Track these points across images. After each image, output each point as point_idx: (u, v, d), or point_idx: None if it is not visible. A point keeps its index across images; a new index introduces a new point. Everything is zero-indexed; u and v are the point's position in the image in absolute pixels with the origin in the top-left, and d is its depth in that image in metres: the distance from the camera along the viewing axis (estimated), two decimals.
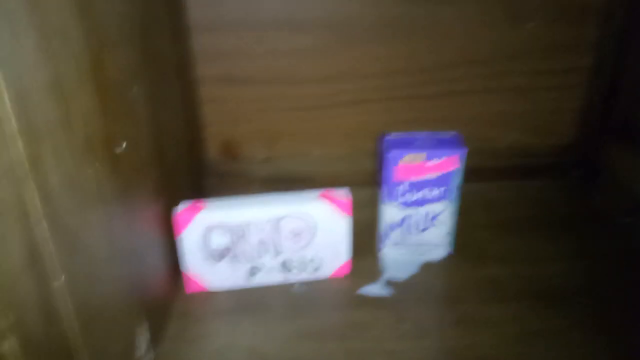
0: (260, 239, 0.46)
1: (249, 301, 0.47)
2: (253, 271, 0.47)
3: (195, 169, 0.59)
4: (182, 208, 0.45)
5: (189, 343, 0.43)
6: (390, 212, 0.50)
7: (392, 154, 0.47)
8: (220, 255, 0.46)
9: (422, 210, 0.49)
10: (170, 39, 0.50)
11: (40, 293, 0.24)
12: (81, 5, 0.29)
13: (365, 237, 0.53)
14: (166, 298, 0.46)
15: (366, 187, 0.59)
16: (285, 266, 0.48)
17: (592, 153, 0.62)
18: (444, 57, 0.58)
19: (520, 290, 0.47)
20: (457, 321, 0.44)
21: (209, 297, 0.47)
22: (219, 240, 0.46)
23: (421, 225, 0.50)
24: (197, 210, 0.45)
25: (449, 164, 0.47)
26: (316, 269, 0.49)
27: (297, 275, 0.48)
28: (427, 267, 0.51)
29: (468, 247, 0.52)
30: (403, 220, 0.50)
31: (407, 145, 0.48)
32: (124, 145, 0.35)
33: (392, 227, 0.51)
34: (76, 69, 0.29)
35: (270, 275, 0.48)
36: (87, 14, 0.30)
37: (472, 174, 0.52)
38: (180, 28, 0.54)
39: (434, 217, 0.50)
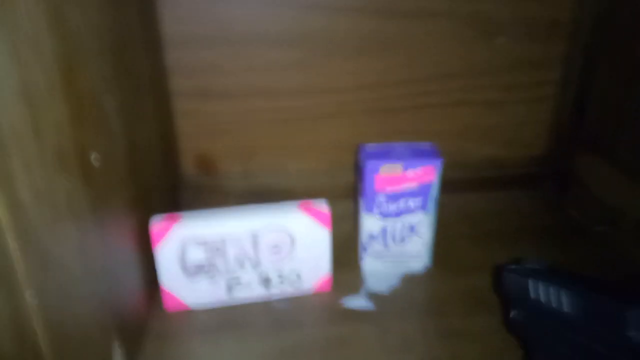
0: (238, 253, 0.45)
1: (229, 319, 0.46)
2: (231, 286, 0.46)
3: (171, 183, 0.58)
4: (157, 221, 0.44)
5: None
6: (369, 223, 0.50)
7: (370, 164, 0.47)
8: (197, 270, 0.45)
9: (401, 221, 0.50)
10: (144, 52, 0.49)
11: (10, 310, 0.23)
12: (54, 14, 0.29)
13: (346, 250, 0.53)
14: (142, 316, 0.44)
15: (345, 199, 0.59)
16: (265, 280, 0.47)
17: (565, 164, 0.63)
18: (417, 71, 0.59)
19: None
20: (441, 333, 0.44)
21: (187, 314, 0.46)
22: (195, 255, 0.45)
23: (400, 236, 0.50)
24: (172, 223, 0.43)
25: (425, 174, 0.47)
26: (296, 283, 0.48)
27: (278, 290, 0.48)
28: (408, 279, 0.50)
29: (447, 257, 0.52)
30: (382, 231, 0.50)
31: (384, 156, 0.48)
32: (96, 156, 0.34)
33: (372, 237, 0.50)
34: (47, 78, 0.28)
35: (250, 290, 0.47)
36: (60, 23, 0.29)
37: (448, 185, 0.52)
38: (154, 42, 0.53)
39: (412, 228, 0.50)
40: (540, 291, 0.32)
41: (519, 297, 0.34)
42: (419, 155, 0.48)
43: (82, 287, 0.31)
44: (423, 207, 0.49)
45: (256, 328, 0.45)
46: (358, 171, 0.49)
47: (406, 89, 0.60)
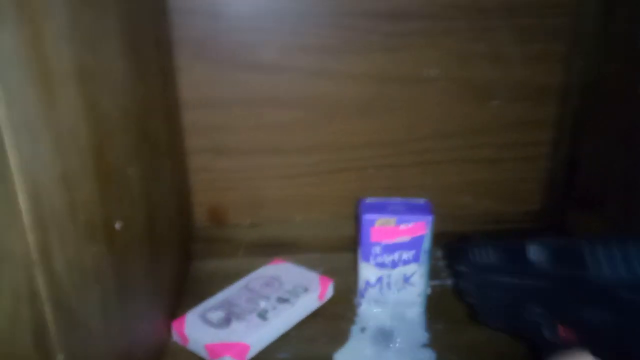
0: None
1: None
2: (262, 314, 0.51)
3: (184, 235, 0.62)
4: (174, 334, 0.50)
5: None
6: (366, 272, 0.53)
7: (366, 217, 0.51)
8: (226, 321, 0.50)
9: (396, 271, 0.53)
10: (163, 116, 0.54)
11: None
12: (89, 104, 0.33)
13: (346, 298, 0.56)
14: None
15: (347, 250, 0.63)
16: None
17: (558, 219, 0.66)
18: (416, 131, 0.63)
19: (500, 354, 0.49)
20: None
21: None
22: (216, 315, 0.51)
23: (396, 285, 0.53)
24: (182, 327, 0.50)
25: (418, 228, 0.51)
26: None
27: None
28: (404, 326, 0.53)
29: (443, 308, 0.55)
30: (379, 279, 0.53)
31: (381, 209, 0.51)
32: (119, 224, 0.38)
33: (369, 285, 0.53)
34: (81, 161, 0.32)
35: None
36: (93, 111, 0.34)
37: (448, 237, 0.55)
38: (172, 105, 0.58)
39: (406, 278, 0.53)
40: (475, 254, 0.40)
41: (461, 263, 0.42)
42: (413, 210, 0.51)
43: (103, 343, 0.34)
44: (416, 259, 0.52)
45: None
46: (357, 223, 0.53)
47: (406, 147, 0.64)
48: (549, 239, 0.35)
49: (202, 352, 0.48)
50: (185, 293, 0.57)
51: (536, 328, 0.34)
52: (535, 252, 0.35)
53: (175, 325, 0.50)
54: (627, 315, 0.28)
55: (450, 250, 0.45)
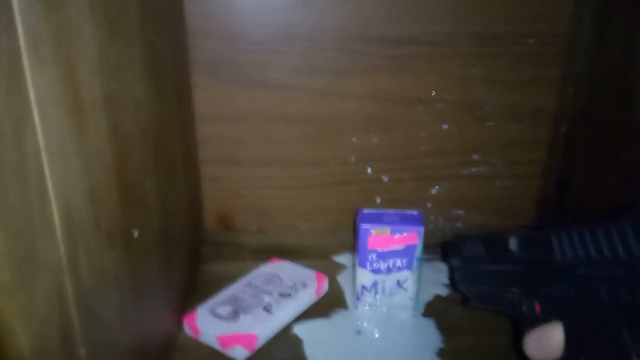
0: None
1: None
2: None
3: (195, 239, 0.67)
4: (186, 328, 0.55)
5: None
6: (362, 277, 0.57)
7: (363, 227, 0.55)
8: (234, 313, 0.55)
9: (390, 277, 0.57)
10: (179, 131, 0.58)
11: None
12: (113, 127, 0.38)
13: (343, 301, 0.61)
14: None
15: (346, 257, 0.67)
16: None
17: None
18: (415, 147, 0.67)
19: None
20: None
21: (201, 359, 0.53)
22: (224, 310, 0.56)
23: (389, 290, 0.57)
24: (194, 321, 0.54)
25: (410, 238, 0.55)
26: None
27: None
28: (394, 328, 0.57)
29: (434, 315, 0.59)
30: (374, 284, 0.57)
31: (377, 220, 0.55)
32: (136, 231, 0.42)
33: (364, 289, 0.58)
34: (105, 178, 0.37)
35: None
36: (116, 133, 0.38)
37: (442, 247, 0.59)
38: (188, 119, 0.63)
39: (399, 283, 0.57)
40: (466, 248, 0.45)
41: (454, 257, 0.47)
42: (406, 221, 0.55)
43: (120, 340, 0.39)
44: (409, 266, 0.56)
45: None
46: (355, 232, 0.57)
47: (405, 163, 0.68)
48: (525, 230, 0.41)
49: (214, 343, 0.53)
50: (195, 292, 0.61)
51: (516, 306, 0.40)
52: (513, 243, 0.41)
53: (187, 320, 0.55)
54: (583, 288, 0.34)
55: (446, 247, 0.50)
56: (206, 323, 0.54)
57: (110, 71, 0.37)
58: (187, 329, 0.55)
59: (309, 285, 0.60)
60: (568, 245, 0.35)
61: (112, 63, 0.38)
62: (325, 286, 0.62)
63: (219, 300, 0.57)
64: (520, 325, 0.40)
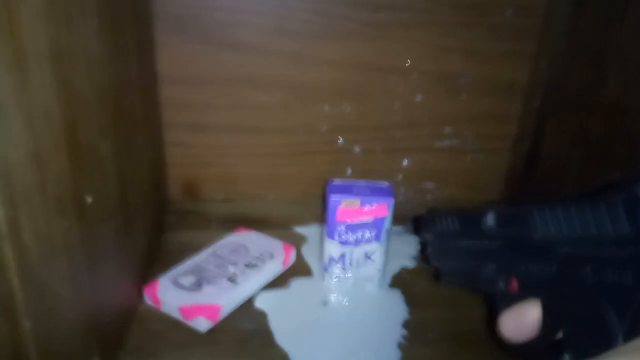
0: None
1: (201, 335, 0.51)
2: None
3: (158, 208, 0.64)
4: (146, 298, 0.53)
5: None
6: (331, 248, 0.56)
7: (333, 198, 0.53)
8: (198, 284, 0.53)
9: (359, 249, 0.56)
10: (141, 93, 0.55)
11: (10, 337, 0.29)
12: (63, 83, 0.34)
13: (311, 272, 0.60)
14: (121, 332, 0.50)
15: (314, 228, 0.66)
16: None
17: None
18: (389, 118, 0.66)
19: (443, 333, 0.53)
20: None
21: (163, 330, 0.51)
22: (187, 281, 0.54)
23: (357, 262, 0.57)
24: (155, 291, 0.52)
25: (380, 210, 0.54)
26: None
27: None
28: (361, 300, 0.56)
29: (401, 287, 0.58)
30: (342, 256, 0.56)
31: (347, 191, 0.54)
32: (90, 198, 0.40)
33: (333, 261, 0.57)
34: (53, 138, 0.34)
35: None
36: (67, 90, 0.35)
37: (408, 220, 0.58)
38: (150, 81, 0.59)
39: (367, 255, 0.56)
40: (439, 223, 0.45)
41: (427, 232, 0.47)
42: (376, 193, 0.54)
43: (71, 311, 0.37)
44: (377, 238, 0.55)
45: (226, 345, 0.50)
46: (325, 203, 0.56)
47: (377, 134, 0.66)
48: (502, 206, 0.40)
49: (176, 314, 0.51)
50: (157, 262, 0.59)
51: (491, 283, 0.40)
52: (490, 219, 0.39)
53: (147, 290, 0.53)
54: (565, 267, 0.33)
55: (419, 222, 0.49)
56: (168, 293, 0.52)
57: (58, 20, 0.34)
58: (148, 300, 0.53)
59: (276, 256, 0.59)
60: (551, 222, 0.33)
61: (61, 11, 0.34)
62: (292, 257, 0.60)
63: (182, 271, 0.56)
64: (496, 304, 0.39)
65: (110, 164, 0.45)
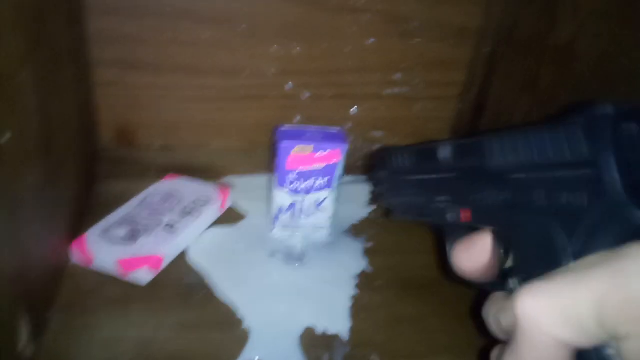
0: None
1: (138, 290, 0.48)
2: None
3: (87, 154, 0.58)
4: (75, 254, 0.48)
5: (73, 334, 0.43)
6: (280, 198, 0.54)
7: (284, 144, 0.51)
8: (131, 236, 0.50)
9: (309, 197, 0.54)
10: (66, 21, 0.48)
11: None
12: None
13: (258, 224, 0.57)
14: (50, 289, 0.45)
15: (260, 178, 0.63)
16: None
17: None
18: (340, 62, 0.63)
19: (390, 279, 0.53)
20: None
21: (96, 286, 0.47)
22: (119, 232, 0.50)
23: (307, 211, 0.55)
24: (83, 246, 0.48)
25: (332, 156, 0.52)
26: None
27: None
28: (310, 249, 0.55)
29: (352, 235, 0.58)
30: (292, 205, 0.54)
31: (298, 137, 0.51)
32: (8, 136, 0.34)
33: (282, 210, 0.54)
34: None
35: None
36: None
37: (354, 169, 0.57)
38: (76, 10, 0.52)
39: (318, 204, 0.54)
40: (393, 160, 0.44)
41: (380, 169, 0.46)
42: (328, 138, 0.52)
43: None
44: (328, 185, 0.53)
45: (165, 300, 0.47)
46: (273, 151, 0.53)
47: (327, 78, 0.63)
48: (456, 139, 0.39)
49: (112, 269, 0.47)
50: (88, 215, 0.54)
51: (441, 214, 0.39)
52: (443, 151, 0.38)
53: (75, 245, 0.48)
54: (519, 193, 0.32)
55: (374, 159, 0.48)
56: (100, 247, 0.48)
57: None
58: (78, 255, 0.48)
59: (212, 200, 0.56)
60: (509, 150, 0.32)
61: None
62: (229, 199, 0.58)
63: (112, 223, 0.51)
64: (447, 237, 0.39)
65: (31, 100, 0.39)
